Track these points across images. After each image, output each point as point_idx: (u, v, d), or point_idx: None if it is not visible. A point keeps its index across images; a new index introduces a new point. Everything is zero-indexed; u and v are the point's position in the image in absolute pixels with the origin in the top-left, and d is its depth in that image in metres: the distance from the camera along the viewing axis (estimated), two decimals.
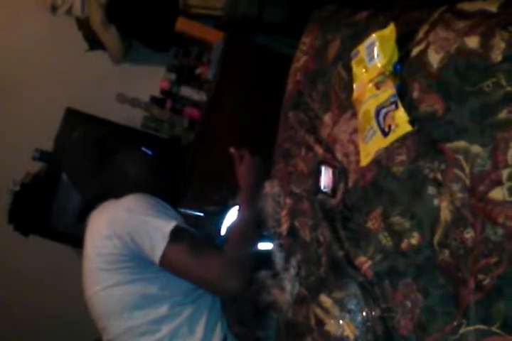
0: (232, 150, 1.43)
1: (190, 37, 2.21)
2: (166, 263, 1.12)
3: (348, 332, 0.92)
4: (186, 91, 2.30)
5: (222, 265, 1.11)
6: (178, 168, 1.90)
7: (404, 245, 0.85)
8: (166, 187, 1.38)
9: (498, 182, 0.70)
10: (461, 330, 0.71)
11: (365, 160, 0.99)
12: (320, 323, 1.01)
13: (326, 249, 1.06)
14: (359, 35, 1.11)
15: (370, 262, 0.91)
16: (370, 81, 0.99)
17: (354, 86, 1.06)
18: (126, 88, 2.43)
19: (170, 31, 2.19)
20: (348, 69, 1.11)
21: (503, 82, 0.72)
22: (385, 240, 0.89)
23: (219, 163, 1.43)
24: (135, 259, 1.15)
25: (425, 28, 0.92)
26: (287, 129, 1.39)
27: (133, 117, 2.40)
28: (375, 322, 0.87)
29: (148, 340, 1.16)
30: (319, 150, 1.18)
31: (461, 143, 0.77)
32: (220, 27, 2.16)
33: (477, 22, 0.80)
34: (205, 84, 2.19)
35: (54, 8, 2.52)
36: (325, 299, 1.01)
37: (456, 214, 0.76)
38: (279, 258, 1.21)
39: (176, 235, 1.12)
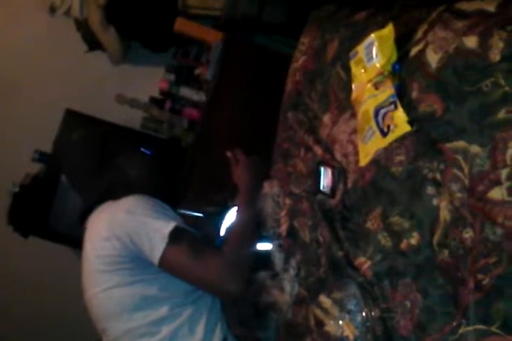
0: (228, 154, 1.43)
1: (189, 37, 2.21)
2: (165, 265, 1.12)
3: (348, 332, 0.92)
4: (185, 91, 2.30)
5: (222, 266, 1.11)
6: (178, 168, 1.90)
7: (403, 245, 0.84)
8: (165, 188, 1.38)
9: (497, 182, 0.70)
10: (461, 330, 0.71)
11: (364, 161, 0.99)
12: (319, 324, 1.01)
13: (325, 250, 1.06)
14: (358, 36, 1.10)
15: (369, 262, 0.91)
16: (369, 81, 0.99)
17: (353, 86, 1.06)
18: (125, 89, 2.43)
19: (169, 32, 2.19)
20: (347, 70, 1.10)
21: (502, 82, 0.72)
22: (385, 240, 0.89)
23: (219, 164, 1.43)
24: (134, 260, 1.15)
25: (424, 27, 0.92)
26: (286, 129, 1.39)
27: (132, 118, 2.40)
28: (375, 323, 0.87)
29: None
30: (318, 150, 1.18)
31: (460, 143, 0.77)
32: (218, 27, 2.16)
33: (475, 22, 0.80)
34: (205, 85, 2.19)
35: (52, 9, 2.51)
36: (324, 299, 1.01)
37: (455, 214, 0.76)
38: (278, 259, 1.21)
39: (175, 236, 1.12)
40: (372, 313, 0.87)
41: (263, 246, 1.26)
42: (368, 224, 0.93)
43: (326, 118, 1.19)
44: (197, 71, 2.26)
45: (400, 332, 0.81)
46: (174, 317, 1.16)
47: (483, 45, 0.76)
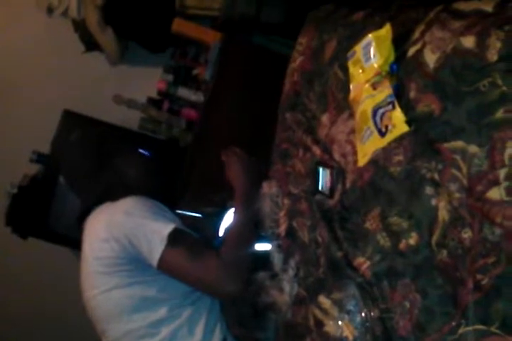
0: (223, 157, 1.43)
1: (187, 38, 2.21)
2: (164, 267, 1.12)
3: (347, 332, 0.92)
4: (183, 92, 2.30)
5: (220, 267, 1.11)
6: (176, 169, 1.90)
7: (402, 245, 0.84)
8: (164, 189, 1.38)
9: (496, 182, 0.70)
10: (460, 330, 0.71)
11: (362, 161, 0.99)
12: (319, 324, 1.01)
13: (324, 250, 1.06)
14: (356, 36, 1.10)
15: (368, 263, 0.91)
16: (367, 81, 0.99)
17: (351, 86, 1.06)
18: (123, 89, 2.43)
19: (166, 32, 2.19)
20: (345, 70, 1.10)
21: (499, 82, 0.72)
22: (383, 240, 0.89)
23: (217, 164, 1.43)
24: (133, 262, 1.15)
25: (421, 28, 0.92)
26: (285, 130, 1.39)
27: (130, 119, 2.40)
28: (374, 323, 0.87)
29: None
30: (317, 150, 1.18)
31: (458, 143, 0.77)
32: (216, 27, 2.16)
33: (473, 22, 0.80)
34: (203, 85, 2.19)
35: (50, 10, 2.51)
36: (324, 300, 1.01)
37: (453, 214, 0.76)
38: (277, 259, 1.21)
39: (174, 238, 1.12)
40: (372, 314, 0.87)
41: (262, 246, 1.26)
42: (367, 225, 0.93)
43: (325, 119, 1.19)
44: (195, 71, 2.26)
45: (399, 333, 0.81)
46: (173, 318, 1.16)
47: (480, 45, 0.76)
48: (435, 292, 0.77)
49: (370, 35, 1.01)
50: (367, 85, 0.99)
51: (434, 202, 0.80)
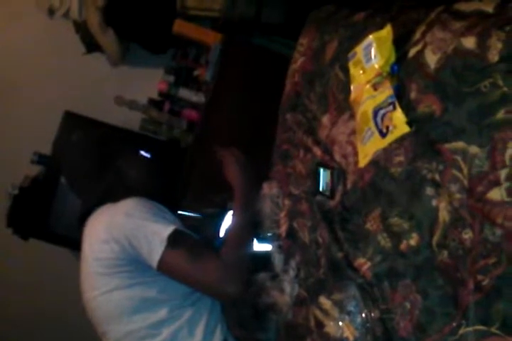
0: (218, 152, 1.42)
1: (188, 39, 2.21)
2: (164, 268, 1.12)
3: (348, 333, 0.92)
4: (184, 93, 2.30)
5: (220, 269, 1.11)
6: (177, 170, 1.90)
7: (403, 246, 0.84)
8: (165, 190, 1.38)
9: (496, 183, 0.70)
10: (461, 331, 0.71)
11: (363, 161, 0.99)
12: (319, 325, 1.01)
13: (325, 251, 1.06)
14: (356, 36, 1.11)
15: (369, 263, 0.91)
16: (368, 82, 0.99)
17: (352, 87, 1.06)
18: (124, 90, 2.43)
19: (167, 33, 2.19)
20: (346, 71, 1.11)
21: (500, 83, 0.72)
22: (384, 241, 0.89)
23: (218, 165, 1.43)
24: (133, 263, 1.15)
25: (422, 28, 0.92)
26: (285, 131, 1.39)
27: (131, 120, 2.40)
28: (375, 324, 0.87)
29: None
30: (317, 151, 1.18)
31: (459, 144, 0.77)
32: (217, 28, 2.16)
33: (474, 22, 0.80)
34: (204, 86, 2.19)
35: (51, 11, 2.51)
36: (324, 301, 1.01)
37: (454, 214, 0.76)
38: (278, 260, 1.21)
39: (174, 239, 1.12)
40: (372, 314, 0.87)
41: (263, 247, 1.26)
42: (368, 225, 0.93)
43: (325, 120, 1.19)
44: (196, 72, 2.26)
45: (399, 333, 0.81)
46: (174, 319, 1.16)
47: (481, 45, 0.77)
48: (436, 293, 0.76)
49: (370, 36, 1.01)
50: (368, 86, 0.99)
51: (434, 202, 0.80)
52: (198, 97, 2.23)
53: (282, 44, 2.03)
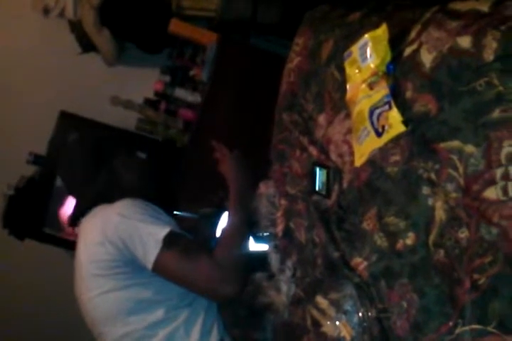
0: (213, 143, 1.42)
1: (184, 38, 2.21)
2: (159, 269, 1.12)
3: (345, 332, 0.92)
4: (180, 92, 2.30)
5: (214, 270, 1.11)
6: (173, 170, 1.90)
7: (399, 245, 0.84)
8: (160, 190, 1.37)
9: (492, 182, 0.70)
10: (457, 330, 0.71)
11: (359, 161, 0.99)
12: (316, 324, 1.01)
13: (321, 250, 1.05)
14: (352, 36, 1.11)
15: (365, 263, 0.91)
16: (364, 81, 0.99)
17: (347, 86, 1.06)
18: (119, 90, 2.43)
19: (163, 33, 2.19)
20: (342, 70, 1.10)
21: (496, 82, 0.72)
22: (381, 240, 0.89)
23: (214, 164, 1.43)
24: (129, 265, 1.14)
25: (417, 28, 0.92)
26: (282, 130, 1.39)
27: (127, 119, 2.39)
28: (372, 323, 0.87)
29: None
30: (314, 151, 1.18)
31: (455, 143, 0.77)
32: (213, 28, 2.16)
33: (469, 22, 0.80)
34: (200, 86, 2.19)
35: (46, 11, 2.50)
36: (321, 300, 1.01)
37: (450, 213, 0.76)
38: (274, 260, 1.21)
39: (169, 241, 1.12)
40: (369, 314, 0.87)
41: (259, 247, 1.26)
42: (364, 225, 0.93)
43: (321, 119, 1.19)
44: (192, 72, 2.26)
45: (396, 333, 0.81)
46: (170, 320, 1.16)
47: (476, 44, 0.77)
48: (432, 292, 0.76)
49: (366, 36, 1.01)
50: (363, 85, 0.99)
51: (430, 201, 0.80)
52: (194, 97, 2.23)
53: (278, 44, 2.04)
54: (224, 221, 1.32)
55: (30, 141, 2.42)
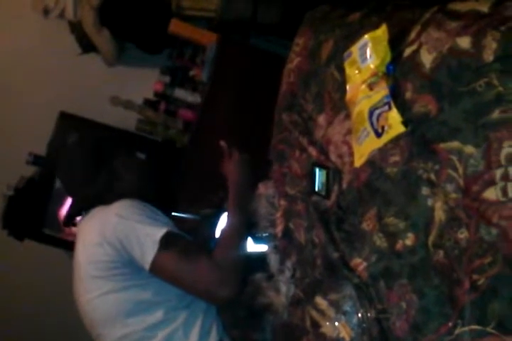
0: (222, 143, 1.42)
1: (184, 39, 2.21)
2: (156, 270, 1.11)
3: (344, 333, 0.92)
4: (180, 93, 2.29)
5: (212, 271, 1.10)
6: (173, 170, 1.90)
7: (399, 246, 0.84)
8: (159, 191, 1.37)
9: (492, 182, 0.70)
10: (457, 331, 0.71)
11: (359, 161, 0.99)
12: (315, 325, 1.01)
13: (321, 251, 1.05)
14: (352, 36, 1.11)
15: (365, 263, 0.91)
16: (363, 82, 0.99)
17: (347, 87, 1.06)
18: (119, 91, 2.43)
19: (163, 33, 2.19)
20: (341, 70, 1.10)
21: (495, 82, 0.72)
22: (380, 241, 0.89)
23: (214, 165, 1.42)
24: (127, 266, 1.14)
25: (417, 28, 0.92)
26: (281, 131, 1.39)
27: (127, 120, 2.39)
28: (371, 324, 0.86)
29: None
30: (313, 151, 1.17)
31: (455, 144, 0.77)
32: (213, 28, 2.16)
33: (469, 22, 0.80)
34: (199, 86, 2.19)
35: (46, 12, 2.50)
36: (320, 301, 1.01)
37: (450, 214, 0.76)
38: (274, 261, 1.21)
39: (166, 242, 1.11)
40: (368, 314, 0.87)
41: (258, 247, 1.26)
42: (364, 225, 0.93)
43: (321, 119, 1.19)
44: (192, 72, 2.26)
45: (395, 333, 0.81)
46: (169, 321, 1.15)
47: (476, 45, 0.77)
48: (432, 292, 0.76)
49: (366, 36, 1.01)
50: (363, 86, 0.99)
51: (430, 202, 0.80)
52: (193, 97, 2.23)
53: (278, 44, 2.03)
54: (223, 222, 1.31)
55: (30, 141, 2.42)
